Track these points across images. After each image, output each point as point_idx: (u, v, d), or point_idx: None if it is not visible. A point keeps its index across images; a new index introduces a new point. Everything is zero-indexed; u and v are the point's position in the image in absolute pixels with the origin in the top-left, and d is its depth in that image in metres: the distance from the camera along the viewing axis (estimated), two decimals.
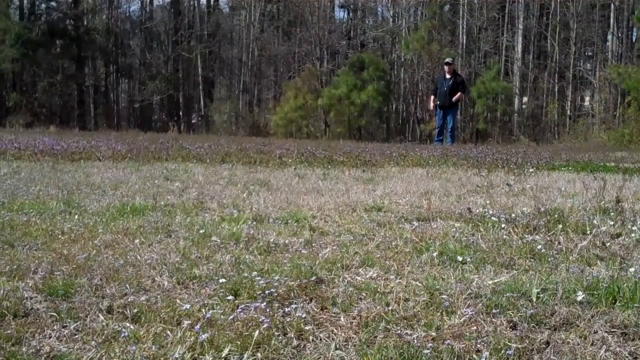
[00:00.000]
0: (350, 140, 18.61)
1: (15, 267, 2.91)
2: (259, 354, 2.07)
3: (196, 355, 2.06)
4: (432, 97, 14.49)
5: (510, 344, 2.13)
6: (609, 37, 28.42)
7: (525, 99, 28.23)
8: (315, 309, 2.46)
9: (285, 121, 24.94)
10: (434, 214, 4.34)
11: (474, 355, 2.07)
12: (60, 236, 3.59)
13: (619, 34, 27.31)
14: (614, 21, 27.15)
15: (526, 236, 3.60)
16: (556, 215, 4.09)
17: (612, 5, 27.00)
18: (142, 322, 2.31)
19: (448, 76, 14.08)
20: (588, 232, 3.68)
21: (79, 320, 2.33)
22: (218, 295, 2.59)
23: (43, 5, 32.22)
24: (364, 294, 2.62)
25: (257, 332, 2.15)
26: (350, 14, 35.02)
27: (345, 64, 27.45)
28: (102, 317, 2.35)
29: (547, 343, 2.17)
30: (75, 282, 2.71)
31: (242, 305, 2.41)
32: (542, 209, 4.23)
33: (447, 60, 14.70)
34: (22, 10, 31.54)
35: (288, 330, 2.25)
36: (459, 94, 14.50)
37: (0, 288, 2.58)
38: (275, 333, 2.20)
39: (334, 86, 25.08)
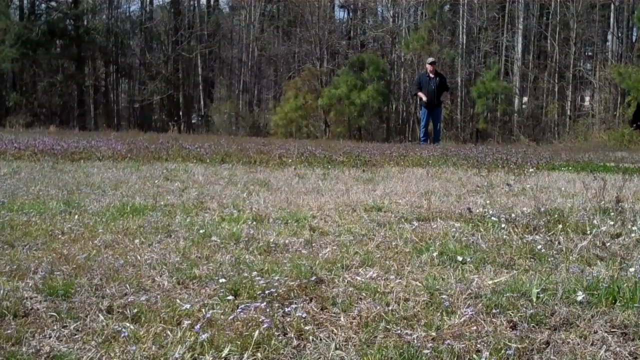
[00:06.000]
0: (350, 140, 18.61)
1: (15, 267, 2.91)
2: (259, 354, 2.07)
3: (196, 355, 2.06)
4: (420, 93, 14.31)
5: (510, 344, 2.13)
6: (609, 37, 28.43)
7: (525, 99, 28.25)
8: (315, 309, 2.46)
9: (285, 121, 24.94)
10: (434, 214, 4.34)
11: (474, 355, 2.07)
12: (60, 236, 3.59)
13: (619, 34, 27.32)
14: (614, 21, 27.16)
15: (526, 236, 3.60)
16: (556, 215, 4.09)
17: (612, 5, 27.00)
18: (142, 322, 2.31)
19: (432, 75, 14.12)
20: (588, 232, 3.68)
21: (79, 320, 2.33)
22: (218, 295, 2.59)
23: (43, 5, 32.23)
24: (364, 294, 2.62)
25: (257, 332, 2.15)
26: (350, 14, 35.04)
27: (345, 64, 27.47)
28: (102, 317, 2.35)
29: (547, 343, 2.17)
30: (75, 282, 2.71)
31: (242, 305, 2.41)
32: (542, 209, 4.23)
33: (432, 60, 14.70)
34: (22, 10, 31.55)
35: (288, 330, 2.25)
36: (447, 93, 14.76)
37: (0, 288, 2.58)
38: (275, 333, 2.20)
39: (334, 86, 25.07)
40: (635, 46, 27.79)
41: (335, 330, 2.26)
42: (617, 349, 2.14)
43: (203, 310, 2.40)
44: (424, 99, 14.07)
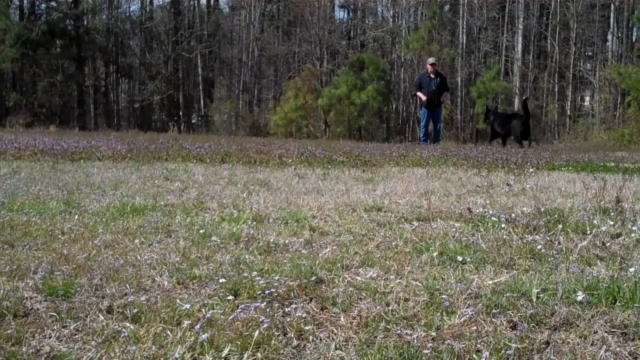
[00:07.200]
0: (350, 140, 18.61)
1: (15, 267, 2.91)
2: (259, 354, 2.07)
3: (196, 355, 2.06)
4: (420, 93, 14.35)
5: (510, 344, 2.13)
6: (609, 37, 28.44)
7: None
8: (315, 309, 2.46)
9: (285, 121, 24.95)
10: (434, 214, 4.34)
11: (474, 355, 2.07)
12: (60, 236, 3.59)
13: (619, 34, 27.32)
14: (614, 21, 27.17)
15: (526, 236, 3.59)
16: (556, 215, 4.09)
17: (612, 5, 27.01)
18: (142, 322, 2.31)
19: (432, 75, 14.16)
20: (588, 232, 3.68)
21: (79, 320, 2.33)
22: (218, 295, 2.59)
23: (43, 5, 32.24)
24: (364, 294, 2.62)
25: (257, 332, 2.15)
26: (350, 14, 35.05)
27: (345, 64, 27.47)
28: (102, 317, 2.35)
29: (547, 343, 2.17)
30: (75, 282, 2.71)
31: (242, 305, 2.41)
32: (542, 209, 4.23)
33: (433, 61, 14.71)
34: (22, 10, 31.56)
35: (288, 330, 2.25)
36: (447, 93, 14.94)
37: (0, 288, 2.58)
38: (275, 333, 2.20)
39: (334, 86, 25.07)
40: (635, 46, 27.80)
41: (335, 330, 2.26)
42: (617, 349, 2.14)
43: (203, 310, 2.40)
44: (423, 98, 14.11)
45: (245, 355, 2.06)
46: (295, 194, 5.37)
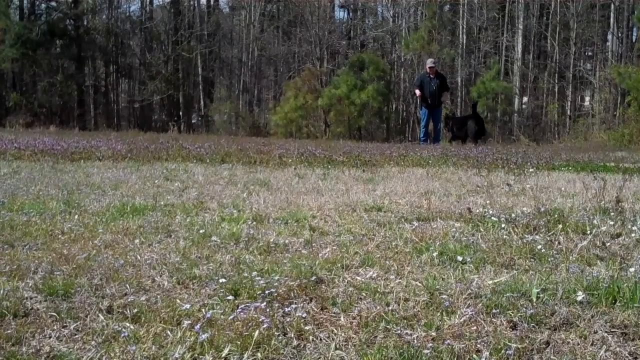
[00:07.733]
0: (350, 140, 18.60)
1: (15, 267, 2.91)
2: (259, 354, 2.07)
3: (196, 355, 2.06)
4: (417, 90, 14.42)
5: (510, 344, 2.13)
6: (609, 37, 28.44)
7: (525, 99, 28.25)
8: (315, 309, 2.46)
9: (285, 121, 24.94)
10: (434, 214, 4.34)
11: (474, 355, 2.07)
12: (60, 236, 3.59)
13: (619, 34, 27.32)
14: (614, 21, 27.16)
15: (526, 236, 3.60)
16: (556, 215, 4.08)
17: (612, 5, 27.00)
18: (142, 322, 2.31)
19: (432, 76, 14.19)
20: (588, 232, 3.68)
21: (79, 320, 2.33)
22: (218, 295, 2.59)
23: (43, 5, 32.20)
24: (364, 294, 2.62)
25: (257, 332, 2.15)
26: (350, 14, 35.04)
27: (345, 64, 27.46)
28: (102, 317, 2.35)
29: (547, 343, 2.17)
30: (75, 282, 2.71)
31: (242, 305, 2.41)
32: (542, 209, 4.23)
33: (431, 64, 14.69)
34: (22, 10, 31.54)
35: (288, 330, 2.25)
36: (446, 93, 15.01)
37: (0, 288, 2.58)
38: (275, 333, 2.20)
39: (334, 86, 25.07)
40: (635, 46, 27.79)
41: (335, 330, 2.26)
42: (617, 349, 2.14)
43: (203, 310, 2.40)
44: (418, 93, 14.18)
45: (245, 355, 2.06)
46: (295, 194, 5.37)
